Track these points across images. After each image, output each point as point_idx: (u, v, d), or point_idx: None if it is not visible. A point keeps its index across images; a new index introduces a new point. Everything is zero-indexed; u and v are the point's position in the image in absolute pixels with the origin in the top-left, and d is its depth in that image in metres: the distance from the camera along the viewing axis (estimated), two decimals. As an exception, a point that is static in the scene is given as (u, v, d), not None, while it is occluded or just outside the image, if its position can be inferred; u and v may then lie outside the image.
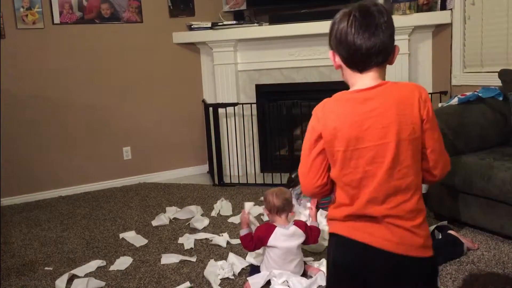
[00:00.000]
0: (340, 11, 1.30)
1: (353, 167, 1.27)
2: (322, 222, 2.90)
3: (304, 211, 3.05)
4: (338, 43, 1.28)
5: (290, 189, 3.09)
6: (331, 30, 1.31)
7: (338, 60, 1.32)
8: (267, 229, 2.37)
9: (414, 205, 1.27)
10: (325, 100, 1.34)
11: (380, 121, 1.25)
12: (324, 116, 1.30)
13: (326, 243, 2.74)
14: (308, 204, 3.08)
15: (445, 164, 1.36)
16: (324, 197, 1.40)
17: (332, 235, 1.36)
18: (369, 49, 1.24)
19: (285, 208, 2.40)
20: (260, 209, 3.31)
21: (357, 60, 1.27)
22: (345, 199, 1.30)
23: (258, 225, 2.56)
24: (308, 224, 2.46)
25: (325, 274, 1.51)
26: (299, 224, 2.42)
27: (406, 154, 1.25)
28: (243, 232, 2.39)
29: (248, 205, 2.81)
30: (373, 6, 1.26)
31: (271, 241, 2.33)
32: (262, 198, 3.24)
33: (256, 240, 2.36)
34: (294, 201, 3.07)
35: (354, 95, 1.29)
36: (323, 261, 2.54)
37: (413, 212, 1.27)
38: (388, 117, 1.24)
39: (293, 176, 3.35)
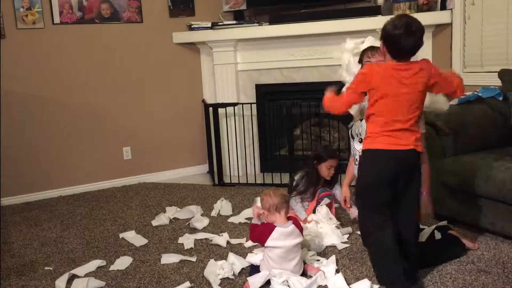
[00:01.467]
0: (390, 21, 2.10)
1: (392, 106, 2.13)
2: (319, 223, 2.91)
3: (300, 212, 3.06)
4: (391, 43, 2.10)
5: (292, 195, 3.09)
6: (386, 34, 2.10)
7: (385, 50, 2.14)
8: (266, 230, 2.37)
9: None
10: (373, 65, 2.25)
11: (409, 81, 2.10)
12: (372, 75, 2.15)
13: (325, 244, 2.76)
14: (303, 210, 3.09)
15: None
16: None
17: (373, 150, 2.19)
18: (410, 48, 2.08)
19: (283, 204, 2.42)
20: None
21: (401, 54, 2.11)
22: (379, 128, 2.16)
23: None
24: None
25: (360, 187, 2.30)
26: (298, 224, 2.44)
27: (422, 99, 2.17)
28: (254, 221, 2.52)
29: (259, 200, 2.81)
30: (414, 21, 2.07)
31: (270, 242, 2.34)
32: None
33: (257, 236, 2.40)
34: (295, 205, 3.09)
35: (400, 66, 2.12)
36: (323, 261, 2.54)
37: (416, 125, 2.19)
38: (414, 80, 2.11)
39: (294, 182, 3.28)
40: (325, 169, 3.09)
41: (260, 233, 2.39)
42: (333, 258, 2.55)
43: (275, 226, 2.37)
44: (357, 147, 2.63)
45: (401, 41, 2.05)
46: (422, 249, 2.36)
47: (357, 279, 2.36)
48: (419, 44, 2.09)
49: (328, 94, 2.39)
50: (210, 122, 4.29)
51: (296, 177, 3.20)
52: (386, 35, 2.11)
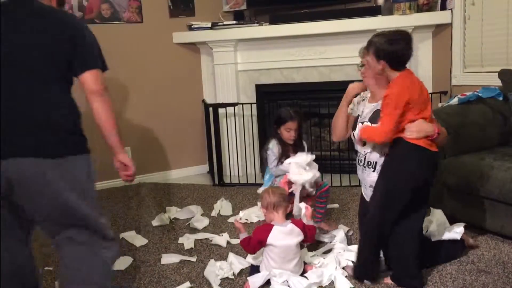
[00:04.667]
0: (396, 37, 2.20)
1: None
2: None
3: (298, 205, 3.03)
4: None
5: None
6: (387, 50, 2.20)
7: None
8: (264, 229, 2.38)
9: None
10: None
11: None
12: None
13: (324, 242, 2.76)
14: (303, 205, 3.07)
15: None
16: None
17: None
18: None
19: (281, 203, 2.42)
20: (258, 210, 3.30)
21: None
22: None
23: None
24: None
25: None
26: (297, 222, 2.44)
27: None
28: (242, 236, 2.42)
29: (241, 213, 2.83)
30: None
31: (269, 240, 2.34)
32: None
33: (255, 242, 2.37)
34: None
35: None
36: (320, 260, 2.54)
37: None
38: None
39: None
40: (285, 132, 3.06)
41: (260, 233, 2.38)
42: (332, 257, 2.54)
43: (273, 226, 2.38)
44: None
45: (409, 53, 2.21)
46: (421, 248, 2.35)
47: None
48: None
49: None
50: (210, 122, 4.29)
51: (270, 145, 3.15)
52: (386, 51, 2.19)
